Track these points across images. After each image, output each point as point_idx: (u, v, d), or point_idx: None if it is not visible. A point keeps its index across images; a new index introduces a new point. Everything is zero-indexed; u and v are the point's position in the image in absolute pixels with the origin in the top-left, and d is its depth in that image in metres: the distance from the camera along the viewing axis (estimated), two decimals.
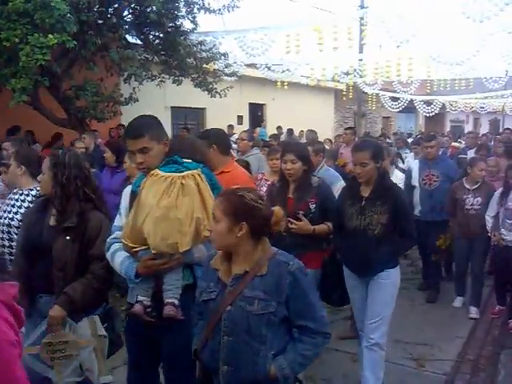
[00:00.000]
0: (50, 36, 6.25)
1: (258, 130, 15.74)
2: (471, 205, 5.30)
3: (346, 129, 9.56)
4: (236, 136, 10.65)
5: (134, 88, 8.75)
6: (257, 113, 18.90)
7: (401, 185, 5.51)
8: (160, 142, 2.59)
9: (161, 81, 9.67)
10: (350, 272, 3.64)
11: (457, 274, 5.72)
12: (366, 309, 3.56)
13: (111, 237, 2.64)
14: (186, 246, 2.41)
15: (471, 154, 8.50)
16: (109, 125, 10.25)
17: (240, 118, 17.59)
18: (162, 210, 2.40)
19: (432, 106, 22.34)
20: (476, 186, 5.33)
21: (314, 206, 3.65)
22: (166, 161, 2.54)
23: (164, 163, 2.53)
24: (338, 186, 4.49)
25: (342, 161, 7.62)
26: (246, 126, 17.29)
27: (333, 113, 23.53)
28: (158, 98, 12.69)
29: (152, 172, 2.51)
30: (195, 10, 9.05)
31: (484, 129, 31.47)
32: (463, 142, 13.85)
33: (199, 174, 2.52)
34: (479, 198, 5.27)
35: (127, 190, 2.71)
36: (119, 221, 2.66)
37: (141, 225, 2.41)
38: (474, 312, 5.32)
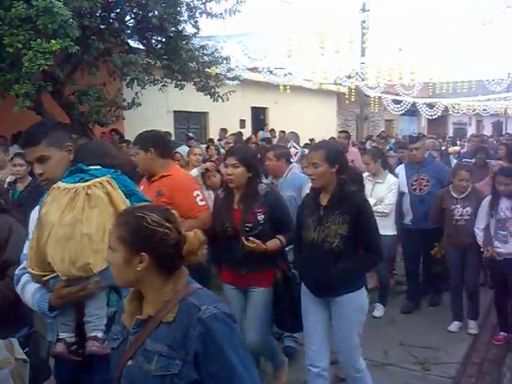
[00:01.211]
0: (53, 41, 6.27)
1: (260, 133, 15.75)
2: (460, 215, 4.88)
3: (339, 132, 9.10)
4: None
5: (136, 92, 8.77)
6: (259, 116, 18.91)
7: (395, 191, 5.30)
8: (62, 148, 2.31)
9: (163, 85, 9.69)
10: (307, 290, 3.24)
11: (452, 288, 5.19)
12: (318, 335, 3.22)
13: (20, 267, 2.26)
14: (100, 265, 2.04)
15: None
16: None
17: (242, 122, 17.60)
18: (65, 227, 2.05)
19: (434, 108, 22.35)
20: (464, 195, 4.89)
21: (263, 216, 3.29)
22: (69, 170, 2.23)
23: (67, 173, 2.22)
24: (307, 187, 4.23)
25: None
26: (248, 129, 17.30)
27: (335, 116, 23.52)
28: (160, 103, 12.72)
29: (54, 185, 2.18)
30: (197, 15, 9.08)
31: (487, 131, 31.46)
32: (459, 145, 13.77)
33: (109, 181, 2.18)
34: (469, 208, 4.84)
35: (36, 210, 2.32)
36: (28, 247, 2.25)
37: (43, 247, 2.07)
38: (473, 326, 4.96)
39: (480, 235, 4.69)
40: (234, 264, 3.36)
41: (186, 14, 8.96)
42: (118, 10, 8.37)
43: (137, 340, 1.64)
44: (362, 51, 15.34)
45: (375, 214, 4.82)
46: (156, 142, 3.44)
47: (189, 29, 9.21)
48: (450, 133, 29.87)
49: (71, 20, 6.40)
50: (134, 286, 1.70)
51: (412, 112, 23.90)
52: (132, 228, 1.62)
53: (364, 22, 12.93)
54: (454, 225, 4.90)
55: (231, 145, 6.55)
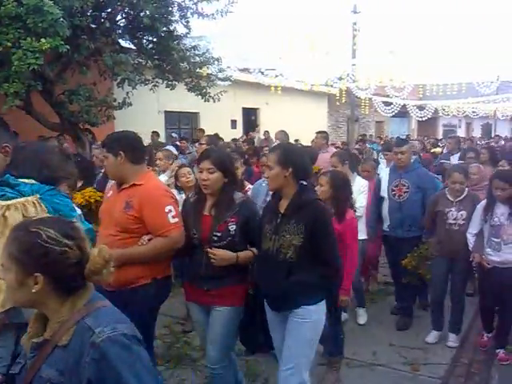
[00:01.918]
0: (43, 40, 6.24)
1: (251, 134, 15.76)
2: (454, 219, 4.57)
3: (317, 132, 8.39)
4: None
5: (127, 92, 8.74)
6: (250, 117, 18.92)
7: (365, 192, 5.08)
8: None
9: (154, 85, 9.67)
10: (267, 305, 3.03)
11: (433, 298, 4.87)
12: None
13: None
14: (1, 304, 1.77)
15: (455, 159, 7.92)
16: (102, 129, 10.22)
17: (234, 123, 17.60)
18: None
19: (425, 110, 22.48)
20: (460, 198, 4.58)
21: (235, 227, 3.01)
22: None
23: None
24: None
25: (315, 167, 6.67)
26: (239, 130, 17.30)
27: (326, 117, 23.58)
28: (151, 103, 12.68)
29: None
30: (188, 15, 9.08)
31: (476, 133, 31.74)
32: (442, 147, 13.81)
33: (35, 202, 1.92)
34: (464, 212, 4.53)
35: None
36: None
37: None
38: (452, 340, 4.63)
39: (471, 240, 4.43)
40: (196, 279, 3.09)
41: (177, 14, 8.95)
42: (109, 10, 8.35)
43: (33, 365, 1.51)
44: (352, 53, 15.40)
45: None
46: (127, 145, 3.04)
47: (180, 29, 9.21)
48: (440, 135, 30.12)
49: (62, 19, 6.38)
50: (30, 307, 1.54)
51: (402, 114, 24.03)
52: (24, 246, 1.44)
53: (355, 23, 12.99)
54: (447, 229, 4.58)
55: (203, 146, 5.78)
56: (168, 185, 4.58)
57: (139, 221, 2.96)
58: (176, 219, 3.01)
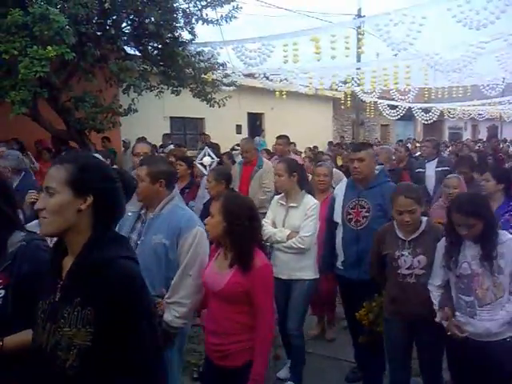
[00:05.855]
0: (49, 48, 6.28)
1: (256, 139, 15.78)
2: (409, 268, 3.09)
3: (277, 137, 7.09)
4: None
5: (132, 99, 8.78)
6: (255, 122, 18.96)
7: (313, 217, 3.84)
8: None
9: (159, 91, 9.72)
10: None
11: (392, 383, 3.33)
12: None
13: None
14: None
15: (431, 168, 6.53)
16: (108, 136, 10.27)
17: (239, 128, 17.66)
18: None
19: (430, 113, 22.45)
20: (415, 235, 3.10)
21: (3, 292, 1.91)
22: None
23: None
24: (192, 234, 2.87)
25: None
26: (245, 135, 17.35)
27: (331, 121, 23.59)
28: (156, 109, 12.75)
29: None
30: (193, 21, 9.12)
31: (482, 135, 31.66)
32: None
33: None
34: (422, 257, 3.05)
35: None
36: None
37: None
38: None
39: (436, 295, 3.00)
40: None
41: (182, 21, 9.00)
42: (114, 17, 8.39)
43: None
44: (357, 57, 15.42)
45: (289, 250, 3.70)
46: None
47: (185, 35, 9.27)
48: (446, 137, 30.08)
49: (67, 27, 6.43)
50: None
51: (408, 117, 24.00)
52: None
53: (359, 27, 13.00)
54: (400, 282, 3.12)
55: (136, 160, 4.44)
56: None
57: None
58: None
